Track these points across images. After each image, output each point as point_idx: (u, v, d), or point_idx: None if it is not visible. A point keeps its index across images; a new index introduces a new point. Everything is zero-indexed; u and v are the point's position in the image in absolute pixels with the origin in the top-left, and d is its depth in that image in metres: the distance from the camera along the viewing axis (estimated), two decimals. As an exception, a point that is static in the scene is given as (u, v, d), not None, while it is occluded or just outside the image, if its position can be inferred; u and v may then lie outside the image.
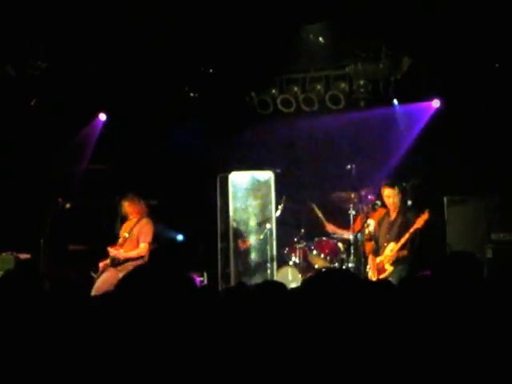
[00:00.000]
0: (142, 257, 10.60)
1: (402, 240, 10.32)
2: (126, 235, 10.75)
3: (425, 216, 10.15)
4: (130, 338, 3.27)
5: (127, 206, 10.96)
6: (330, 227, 12.23)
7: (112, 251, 10.62)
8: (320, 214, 12.24)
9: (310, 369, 3.34)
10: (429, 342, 3.49)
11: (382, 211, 10.93)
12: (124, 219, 11.07)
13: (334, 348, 3.38)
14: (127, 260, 10.56)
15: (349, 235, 11.61)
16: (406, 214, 10.61)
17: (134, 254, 10.66)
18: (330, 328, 3.45)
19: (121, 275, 10.11)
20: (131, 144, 12.80)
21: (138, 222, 10.89)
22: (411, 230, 10.23)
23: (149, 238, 10.81)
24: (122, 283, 3.38)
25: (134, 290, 3.88)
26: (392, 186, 10.65)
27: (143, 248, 10.73)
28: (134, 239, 10.75)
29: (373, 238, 10.84)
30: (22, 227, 11.23)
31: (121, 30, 11.23)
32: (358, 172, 11.48)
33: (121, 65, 11.90)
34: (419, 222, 10.17)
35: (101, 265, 10.66)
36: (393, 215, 10.68)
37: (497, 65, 11.55)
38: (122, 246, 10.72)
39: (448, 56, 11.48)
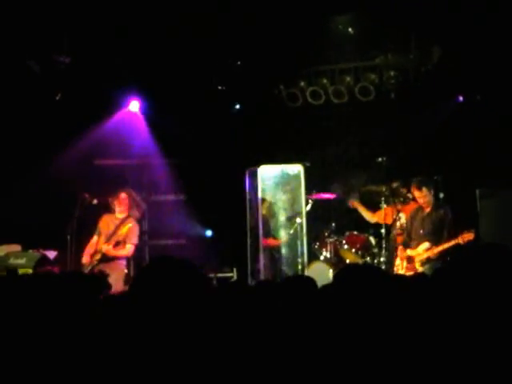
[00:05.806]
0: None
1: (440, 248, 10.06)
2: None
3: (469, 236, 9.85)
4: (149, 335, 3.17)
5: (124, 199, 10.76)
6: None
7: (105, 247, 10.42)
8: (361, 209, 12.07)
9: (337, 364, 3.26)
10: (460, 335, 3.35)
11: (414, 205, 10.77)
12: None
13: (360, 345, 3.29)
14: (113, 258, 10.48)
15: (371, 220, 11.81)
16: (440, 209, 10.41)
17: (123, 253, 10.56)
18: (358, 325, 3.36)
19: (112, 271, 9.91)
20: (157, 138, 12.74)
21: (124, 220, 10.67)
22: (452, 242, 9.94)
23: (136, 239, 10.71)
24: (140, 281, 3.31)
25: (154, 287, 3.78)
26: (419, 188, 10.36)
27: (130, 249, 10.60)
28: (120, 238, 10.53)
29: (404, 231, 10.66)
30: (49, 223, 11.18)
31: (145, 22, 11.19)
32: (389, 164, 11.38)
33: (147, 57, 11.86)
34: (462, 239, 9.86)
35: (84, 260, 10.53)
36: (426, 210, 10.48)
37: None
38: (108, 242, 10.52)
39: (479, 46, 11.29)
